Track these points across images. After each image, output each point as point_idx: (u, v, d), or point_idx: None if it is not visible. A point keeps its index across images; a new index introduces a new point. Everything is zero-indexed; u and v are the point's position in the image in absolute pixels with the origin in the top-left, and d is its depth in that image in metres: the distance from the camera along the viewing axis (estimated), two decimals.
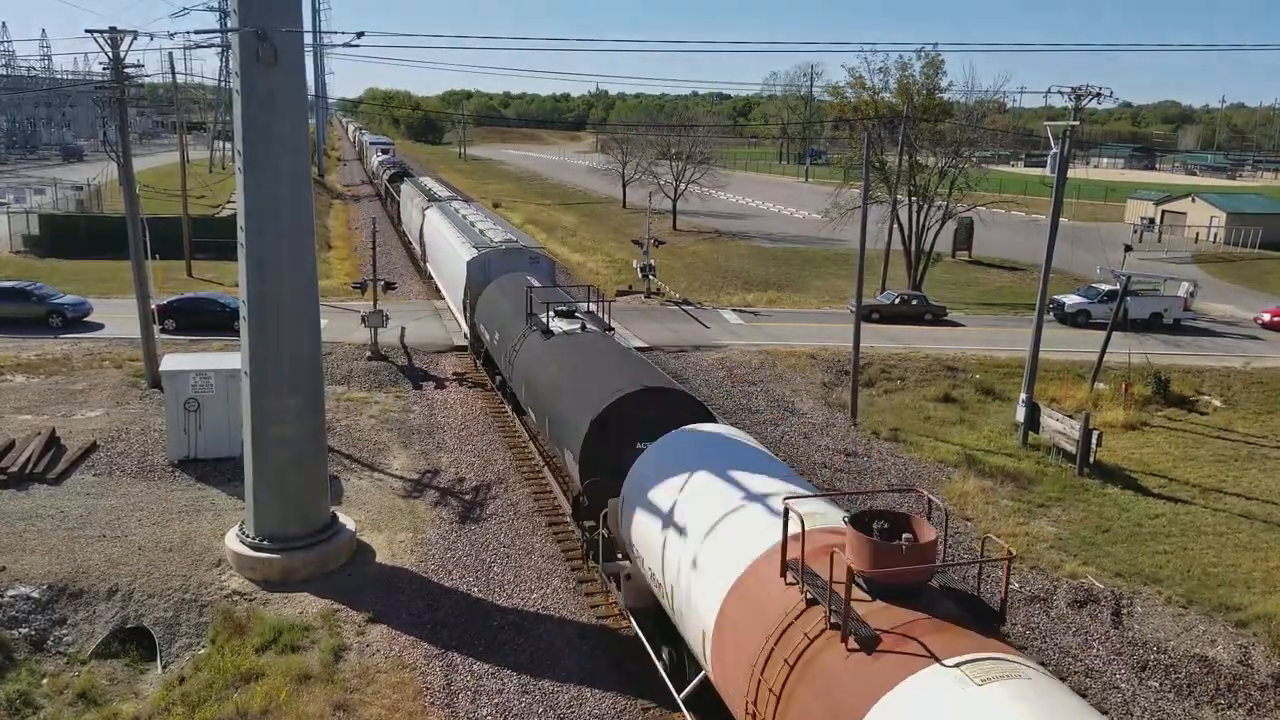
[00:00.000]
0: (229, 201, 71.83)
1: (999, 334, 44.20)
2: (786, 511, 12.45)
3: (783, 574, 12.42)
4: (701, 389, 34.84)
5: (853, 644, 10.91)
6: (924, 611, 11.14)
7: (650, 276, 51.81)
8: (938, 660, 10.26)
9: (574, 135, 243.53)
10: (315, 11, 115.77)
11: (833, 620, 11.23)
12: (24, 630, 19.03)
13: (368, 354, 36.41)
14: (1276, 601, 20.49)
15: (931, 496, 13.95)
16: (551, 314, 26.12)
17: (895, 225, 51.54)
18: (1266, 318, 47.95)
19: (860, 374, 33.11)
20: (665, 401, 19.07)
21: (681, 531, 14.86)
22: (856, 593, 11.52)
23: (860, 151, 39.97)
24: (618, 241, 70.31)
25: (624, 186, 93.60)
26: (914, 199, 51.32)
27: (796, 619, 11.78)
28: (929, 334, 44.48)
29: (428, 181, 72.58)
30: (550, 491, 24.96)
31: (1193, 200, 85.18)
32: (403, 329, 39.00)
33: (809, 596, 11.85)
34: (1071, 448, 27.97)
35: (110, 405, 30.17)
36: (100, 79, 43.53)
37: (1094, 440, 27.61)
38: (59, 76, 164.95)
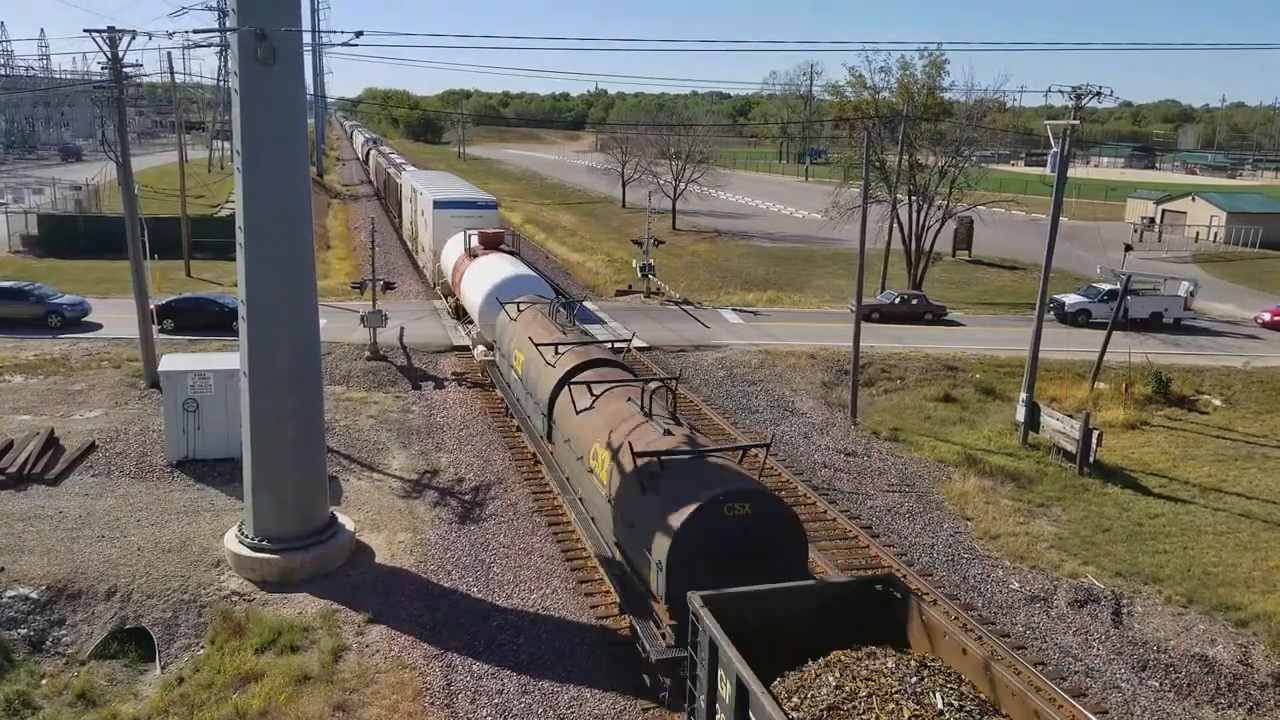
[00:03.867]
0: (227, 201, 71.81)
1: (999, 333, 44.16)
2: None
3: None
4: (702, 388, 34.82)
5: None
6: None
7: (650, 276, 51.76)
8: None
9: (573, 135, 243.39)
10: (314, 10, 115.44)
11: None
12: (23, 631, 19.00)
13: (367, 354, 36.37)
14: (1276, 601, 20.46)
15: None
16: None
17: (895, 225, 51.50)
18: (1267, 317, 47.90)
19: (860, 373, 33.07)
20: None
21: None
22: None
23: (860, 151, 39.91)
24: (617, 241, 70.27)
25: (623, 186, 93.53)
26: (914, 198, 51.28)
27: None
28: (929, 333, 44.44)
29: None
30: (550, 491, 24.90)
31: (1193, 199, 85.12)
32: (401, 329, 38.97)
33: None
34: (1072, 447, 27.94)
35: (109, 405, 30.13)
36: (99, 79, 43.53)
37: (1094, 440, 27.58)
38: (57, 76, 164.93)
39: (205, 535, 21.83)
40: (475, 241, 40.42)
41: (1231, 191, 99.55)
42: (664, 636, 16.10)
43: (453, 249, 42.62)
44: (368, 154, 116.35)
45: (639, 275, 52.04)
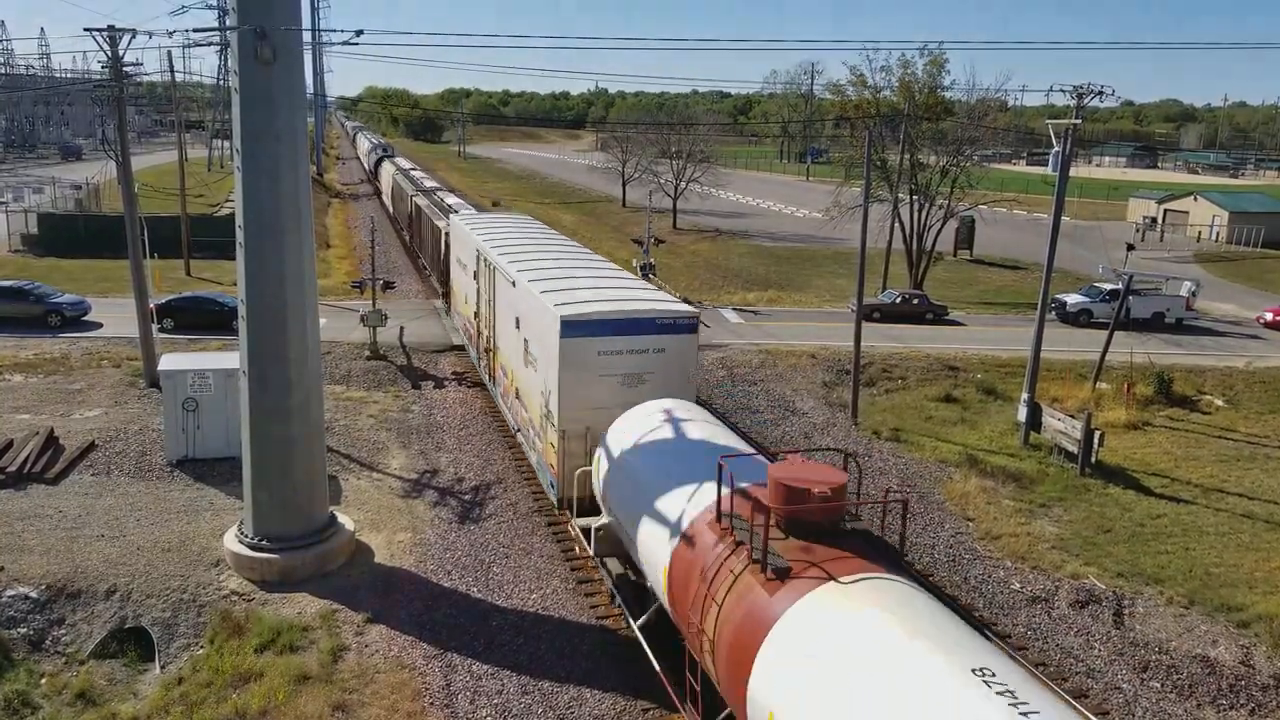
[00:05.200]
0: (227, 200, 71.80)
1: (1000, 333, 44.11)
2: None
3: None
4: (702, 389, 34.76)
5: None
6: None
7: (650, 275, 51.70)
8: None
9: (573, 134, 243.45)
10: (314, 9, 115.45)
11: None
12: (22, 630, 18.96)
13: (366, 353, 36.33)
14: (1278, 602, 20.41)
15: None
16: None
17: (896, 224, 51.45)
18: (1269, 317, 47.84)
19: (861, 373, 33.01)
20: None
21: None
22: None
23: (861, 150, 39.87)
24: (617, 240, 70.20)
25: (624, 185, 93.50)
26: (915, 198, 51.23)
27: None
28: (930, 333, 44.38)
29: None
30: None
31: (1195, 199, 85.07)
32: (401, 328, 38.92)
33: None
34: (1073, 448, 27.88)
35: (109, 405, 30.10)
36: (99, 78, 43.52)
37: (1096, 440, 27.51)
38: (58, 75, 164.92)
39: (205, 535, 21.79)
40: (749, 498, 13.70)
41: (1234, 191, 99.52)
42: None
43: (644, 472, 17.19)
44: (377, 166, 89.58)
45: (639, 274, 51.97)
